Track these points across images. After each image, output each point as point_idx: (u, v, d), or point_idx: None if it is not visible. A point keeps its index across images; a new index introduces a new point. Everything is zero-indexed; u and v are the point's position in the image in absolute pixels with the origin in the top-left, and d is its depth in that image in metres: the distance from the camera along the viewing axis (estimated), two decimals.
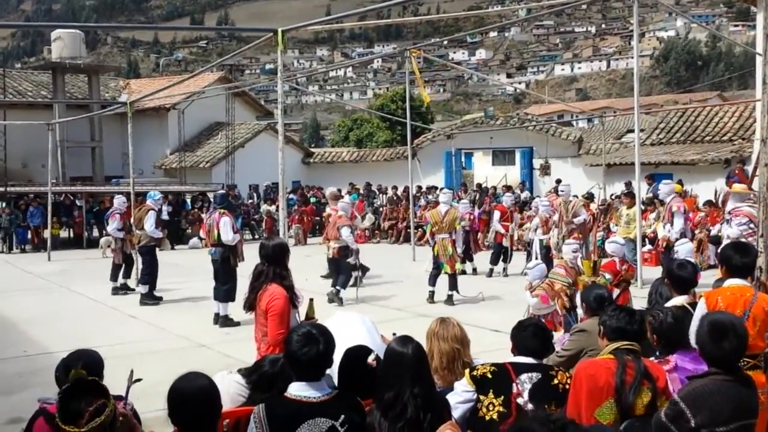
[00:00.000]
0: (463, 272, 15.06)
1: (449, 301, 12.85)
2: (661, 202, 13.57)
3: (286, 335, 4.70)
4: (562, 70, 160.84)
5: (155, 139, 31.70)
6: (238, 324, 11.27)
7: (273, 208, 23.89)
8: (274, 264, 5.66)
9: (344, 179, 29.52)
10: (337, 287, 13.06)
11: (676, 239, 11.60)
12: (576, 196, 17.03)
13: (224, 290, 11.61)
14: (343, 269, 13.36)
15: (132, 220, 14.54)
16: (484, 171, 30.91)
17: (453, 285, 12.99)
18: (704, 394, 3.53)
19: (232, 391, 4.30)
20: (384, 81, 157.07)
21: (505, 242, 16.44)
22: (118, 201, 14.92)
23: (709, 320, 3.79)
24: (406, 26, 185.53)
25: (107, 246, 15.40)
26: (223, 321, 11.50)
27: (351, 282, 13.56)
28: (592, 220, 16.16)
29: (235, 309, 11.97)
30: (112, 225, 14.52)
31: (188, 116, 32.45)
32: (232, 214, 12.43)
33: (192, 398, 3.30)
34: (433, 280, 13.22)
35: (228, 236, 11.67)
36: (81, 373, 3.32)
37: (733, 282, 5.11)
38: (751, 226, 9.59)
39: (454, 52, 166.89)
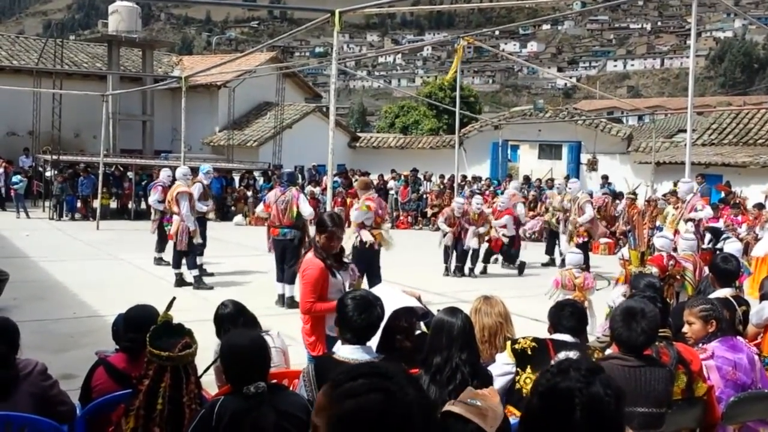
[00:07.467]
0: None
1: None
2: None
3: (314, 304, 5.28)
4: (615, 66, 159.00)
5: (205, 116, 32.10)
6: None
7: (317, 189, 24.06)
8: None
9: (389, 165, 29.63)
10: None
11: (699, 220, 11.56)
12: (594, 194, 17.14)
13: (293, 271, 10.78)
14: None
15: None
16: (530, 164, 30.75)
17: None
18: None
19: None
20: (433, 69, 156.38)
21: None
22: (164, 174, 14.85)
23: (622, 307, 3.89)
24: (458, 15, 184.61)
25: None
26: (290, 302, 10.94)
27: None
28: (637, 217, 16.11)
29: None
30: (153, 197, 14.28)
31: (238, 95, 32.77)
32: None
33: (247, 350, 3.44)
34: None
35: (308, 210, 11.42)
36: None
37: None
38: None
39: (506, 44, 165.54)
